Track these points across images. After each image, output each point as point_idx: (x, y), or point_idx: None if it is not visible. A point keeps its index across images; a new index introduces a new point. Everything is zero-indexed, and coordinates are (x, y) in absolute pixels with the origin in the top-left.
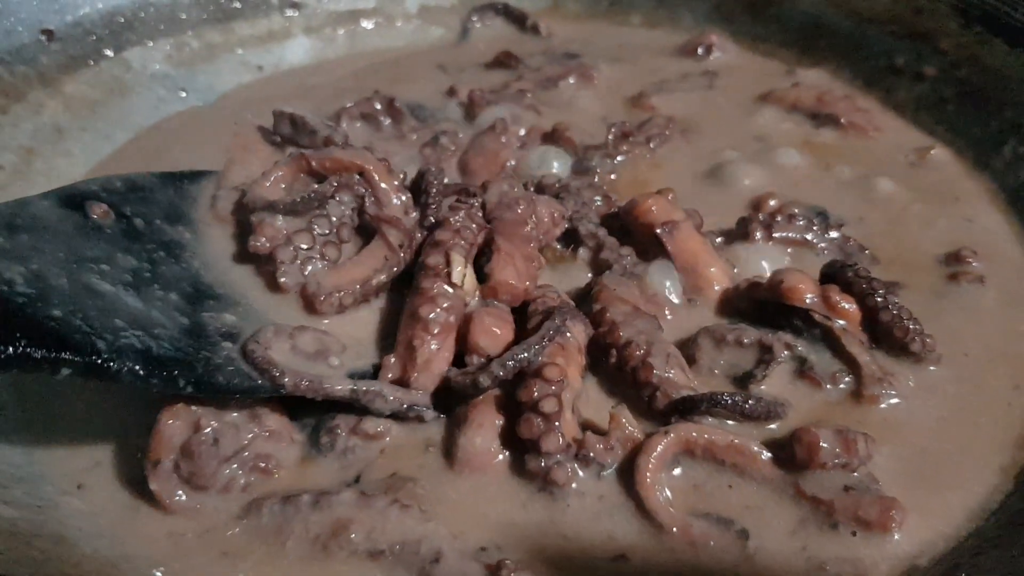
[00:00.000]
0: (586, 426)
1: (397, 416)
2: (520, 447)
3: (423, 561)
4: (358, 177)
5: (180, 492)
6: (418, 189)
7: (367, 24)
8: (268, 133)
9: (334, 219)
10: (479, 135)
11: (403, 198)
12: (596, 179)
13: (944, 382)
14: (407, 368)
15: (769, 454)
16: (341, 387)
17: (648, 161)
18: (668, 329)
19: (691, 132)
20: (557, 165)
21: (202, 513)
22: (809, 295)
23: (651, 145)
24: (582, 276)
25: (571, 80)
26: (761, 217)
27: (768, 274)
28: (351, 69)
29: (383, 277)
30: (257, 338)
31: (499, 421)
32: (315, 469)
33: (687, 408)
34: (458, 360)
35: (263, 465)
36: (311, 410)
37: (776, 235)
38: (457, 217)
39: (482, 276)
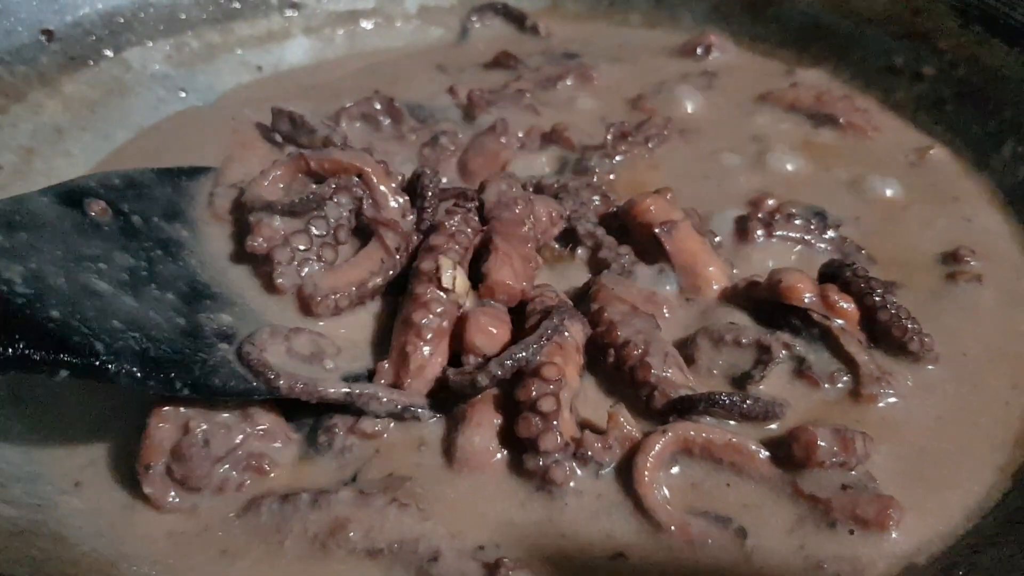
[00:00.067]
0: (584, 425)
1: (395, 416)
2: (518, 446)
3: (421, 560)
4: (356, 179)
5: (174, 494)
6: (414, 192)
7: (366, 24)
8: (267, 130)
9: (332, 221)
10: (478, 135)
11: (401, 200)
12: (595, 179)
13: (942, 381)
14: (401, 374)
15: (767, 453)
16: (335, 390)
17: (647, 161)
18: (666, 328)
19: (690, 132)
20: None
21: (200, 512)
22: (807, 294)
23: (650, 145)
24: (580, 275)
25: (570, 80)
26: (760, 216)
27: (766, 273)
28: (350, 69)
29: (379, 280)
30: (253, 340)
31: (497, 420)
32: (312, 468)
33: (685, 408)
34: (456, 360)
35: (256, 464)
36: (308, 410)
37: (774, 234)
38: (453, 221)
39: (479, 276)
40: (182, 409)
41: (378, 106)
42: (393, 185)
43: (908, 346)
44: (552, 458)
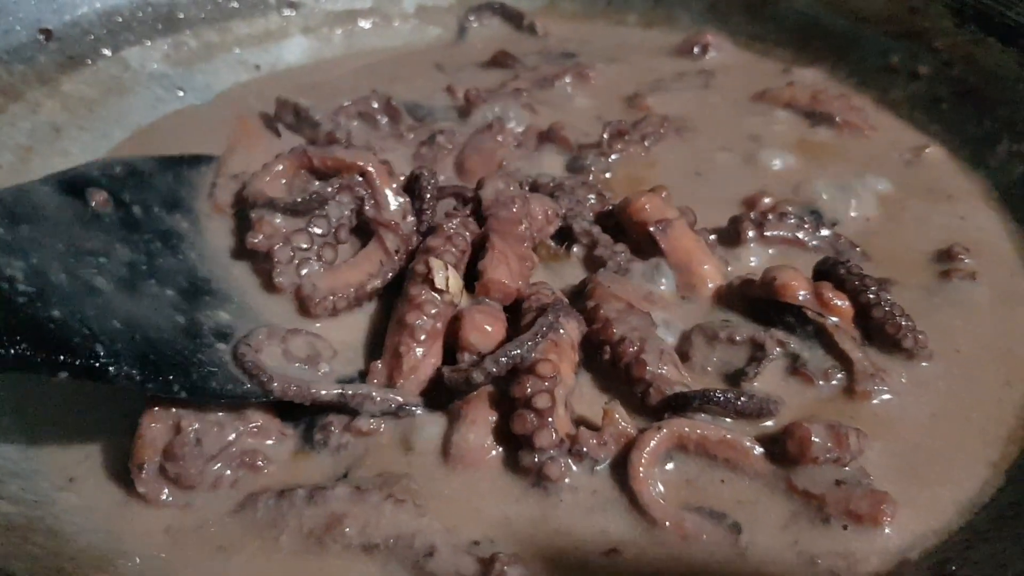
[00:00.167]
0: (580, 422)
1: (389, 415)
2: (514, 443)
3: (417, 555)
4: (359, 178)
5: (167, 492)
6: (412, 193)
7: (364, 24)
8: (270, 120)
9: (333, 220)
10: (475, 134)
11: (402, 201)
12: (591, 177)
13: (936, 378)
14: (394, 374)
15: (761, 449)
16: (327, 391)
17: (643, 160)
18: (661, 326)
19: (686, 131)
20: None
21: (197, 508)
22: (802, 292)
23: (646, 144)
24: (576, 273)
25: (567, 79)
26: (752, 216)
27: (761, 271)
28: (348, 69)
29: (378, 283)
30: (249, 340)
31: (492, 417)
32: (308, 464)
33: (680, 404)
34: (451, 357)
35: (249, 461)
36: (304, 410)
37: (768, 234)
38: (451, 224)
39: (475, 274)
40: (174, 408)
41: (375, 105)
42: (395, 185)
43: (902, 343)
44: (547, 454)
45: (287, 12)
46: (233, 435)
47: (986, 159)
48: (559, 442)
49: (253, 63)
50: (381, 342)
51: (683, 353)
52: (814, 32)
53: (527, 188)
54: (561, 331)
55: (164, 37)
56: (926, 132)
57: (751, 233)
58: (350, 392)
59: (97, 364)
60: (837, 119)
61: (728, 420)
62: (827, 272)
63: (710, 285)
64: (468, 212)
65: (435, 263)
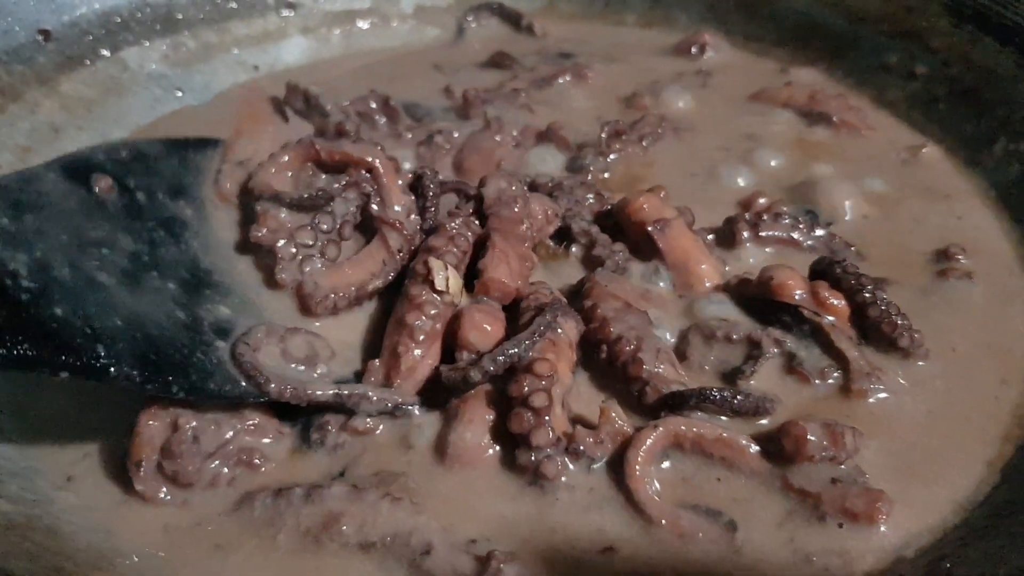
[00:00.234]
0: (577, 421)
1: (386, 414)
2: (511, 442)
3: (414, 553)
4: (366, 174)
5: (165, 491)
6: (415, 192)
7: (363, 24)
8: (278, 104)
9: (338, 217)
10: (474, 134)
11: (407, 199)
12: (589, 177)
13: (932, 377)
14: (391, 374)
15: (757, 447)
16: (322, 392)
17: (641, 159)
18: (658, 324)
19: (684, 131)
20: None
21: (194, 506)
22: (798, 291)
23: (644, 144)
24: (575, 273)
25: (565, 79)
26: (747, 216)
27: (758, 271)
28: (347, 69)
29: (379, 283)
30: (247, 339)
31: (490, 416)
32: (305, 463)
33: (676, 403)
34: (449, 356)
35: (247, 459)
36: (301, 409)
37: (763, 234)
38: (454, 223)
39: (475, 272)
40: (172, 406)
41: (374, 105)
42: (400, 182)
43: (898, 342)
44: (544, 453)
45: (285, 12)
46: (230, 433)
47: (983, 159)
48: (556, 440)
49: (252, 63)
50: (379, 341)
51: (680, 352)
52: (811, 32)
53: (525, 188)
54: (559, 330)
55: (163, 38)
56: (923, 132)
57: (746, 233)
58: (346, 392)
59: (98, 364)
60: (834, 119)
61: (724, 418)
62: (823, 271)
63: (707, 284)
64: (470, 210)
65: (435, 264)
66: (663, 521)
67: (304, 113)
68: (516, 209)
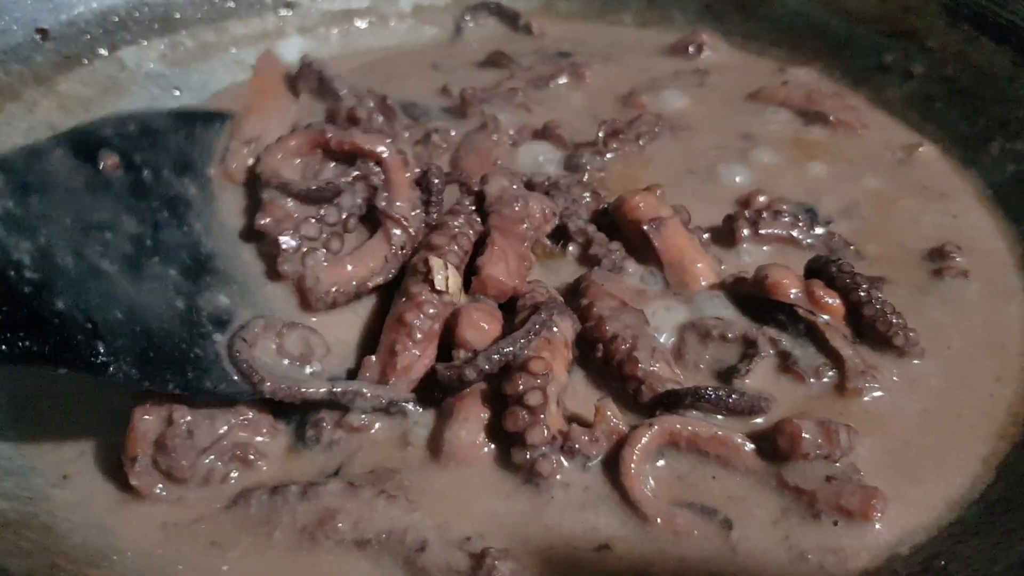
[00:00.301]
0: (573, 419)
1: (381, 411)
2: (506, 440)
3: (409, 550)
4: (374, 166)
5: (160, 486)
6: (421, 187)
7: (361, 23)
8: (291, 81)
9: (344, 209)
10: (470, 133)
11: (414, 194)
12: (586, 176)
13: (927, 375)
14: (387, 371)
15: (752, 445)
16: (315, 390)
17: (638, 158)
18: (654, 323)
19: (681, 130)
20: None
21: (191, 504)
22: (793, 290)
23: (641, 143)
24: (572, 271)
25: (563, 79)
26: (747, 214)
27: (754, 269)
28: (345, 68)
29: (380, 279)
30: (244, 334)
31: (485, 414)
32: (301, 461)
33: (671, 402)
34: (446, 353)
35: (241, 454)
36: (296, 407)
37: (762, 232)
38: (457, 222)
39: (473, 269)
40: (166, 401)
41: (371, 104)
42: (408, 175)
43: (893, 340)
44: (539, 451)
45: (283, 12)
46: (225, 428)
47: (979, 158)
48: (551, 439)
49: (249, 63)
50: (375, 337)
51: (676, 350)
52: (808, 32)
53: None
54: (554, 329)
55: (160, 37)
56: (919, 131)
57: (746, 231)
58: (340, 390)
59: (98, 362)
60: (831, 118)
61: (720, 417)
62: (819, 270)
63: (703, 283)
64: (472, 208)
65: (436, 263)
66: (658, 519)
67: (317, 93)
68: (517, 208)
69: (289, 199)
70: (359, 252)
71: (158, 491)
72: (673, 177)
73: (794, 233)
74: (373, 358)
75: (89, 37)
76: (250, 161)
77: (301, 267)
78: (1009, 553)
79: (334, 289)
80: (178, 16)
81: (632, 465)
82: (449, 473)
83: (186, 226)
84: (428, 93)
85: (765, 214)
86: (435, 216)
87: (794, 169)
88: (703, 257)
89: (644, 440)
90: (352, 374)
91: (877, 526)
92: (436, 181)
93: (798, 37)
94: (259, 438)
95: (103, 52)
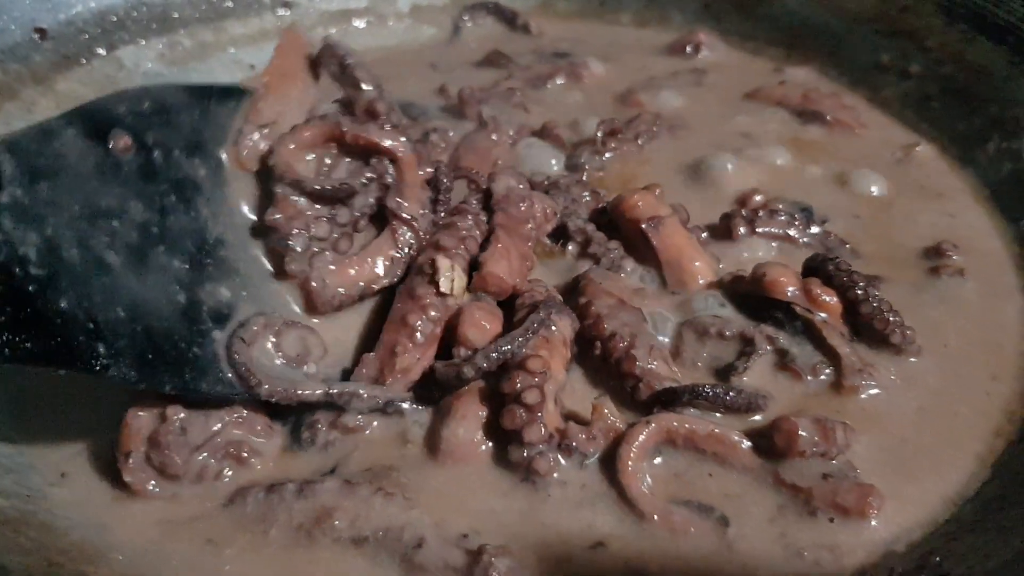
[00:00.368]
0: (571, 417)
1: (377, 411)
2: (503, 438)
3: (406, 547)
4: (388, 163)
5: (153, 483)
6: (431, 185)
7: (359, 23)
8: (313, 63)
9: (356, 209)
10: (469, 133)
11: (424, 194)
12: (585, 176)
13: (924, 373)
14: (385, 371)
15: (749, 443)
16: (310, 391)
17: (636, 157)
18: (652, 321)
19: (679, 129)
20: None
21: (187, 502)
22: (791, 288)
23: (639, 142)
24: (571, 270)
25: (561, 79)
26: (744, 213)
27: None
28: None
29: (385, 282)
30: (243, 333)
31: (483, 412)
32: (296, 461)
33: (669, 399)
34: (446, 351)
35: (235, 452)
36: (291, 408)
37: (758, 230)
38: (465, 222)
39: (475, 265)
40: (160, 398)
41: (391, 98)
42: (420, 173)
43: (890, 338)
44: (536, 449)
45: (282, 12)
46: (219, 425)
47: (976, 157)
48: (548, 437)
49: (248, 63)
50: (374, 337)
51: (674, 348)
52: (805, 31)
53: None
54: (552, 327)
55: (159, 36)
56: (916, 130)
57: (742, 230)
58: (335, 391)
59: (98, 365)
60: (828, 117)
61: (717, 415)
62: (816, 268)
63: (701, 281)
64: (480, 207)
65: (443, 264)
66: (655, 516)
67: (338, 78)
68: (523, 207)
69: (302, 197)
70: (366, 253)
71: (151, 487)
72: (671, 176)
73: (790, 232)
74: (372, 356)
75: (87, 37)
76: (263, 147)
77: (308, 268)
78: (1004, 549)
79: (340, 291)
80: (176, 16)
81: (629, 463)
82: (447, 471)
83: (193, 211)
84: (426, 93)
85: (762, 213)
86: (442, 214)
87: (791, 168)
88: (701, 256)
89: (641, 438)
90: (346, 374)
91: (873, 523)
92: (445, 180)
93: (796, 37)
94: (253, 436)
95: (101, 52)
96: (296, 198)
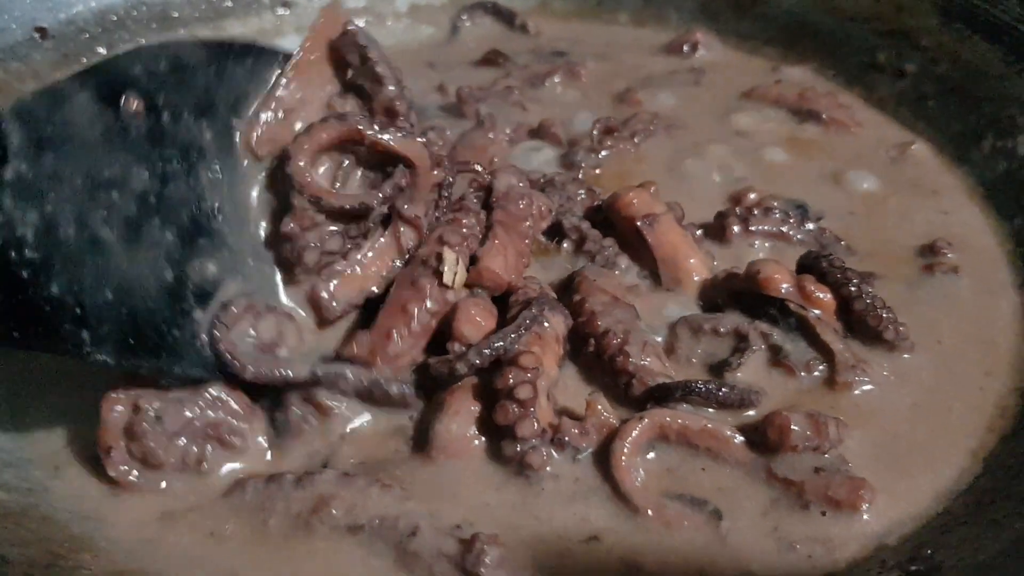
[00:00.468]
0: (564, 414)
1: (363, 394)
2: (497, 433)
3: (400, 535)
4: (404, 167)
5: (136, 474)
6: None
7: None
8: (334, 51)
9: (369, 220)
10: (467, 132)
11: (431, 196)
12: (581, 173)
13: (917, 369)
14: (375, 353)
15: (742, 438)
16: (297, 372)
17: (632, 156)
18: (646, 318)
19: (675, 127)
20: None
21: (184, 493)
22: (785, 285)
23: (635, 140)
24: (566, 268)
25: (558, 77)
26: (738, 211)
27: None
28: None
29: (385, 285)
30: (223, 317)
31: (476, 408)
32: (287, 457)
33: (662, 395)
34: (439, 346)
35: (213, 433)
36: (266, 394)
37: (752, 228)
38: (469, 220)
39: (472, 259)
40: (132, 390)
41: (411, 97)
42: (432, 180)
43: (883, 335)
44: (529, 444)
45: (281, 11)
46: (196, 410)
47: (971, 155)
48: (541, 432)
49: None
50: (352, 331)
51: (667, 345)
52: (802, 31)
53: None
54: (545, 324)
55: (159, 36)
56: (912, 129)
57: (736, 228)
58: (321, 371)
59: (80, 351)
60: (824, 116)
61: (711, 410)
62: (810, 265)
63: (696, 278)
64: (480, 204)
65: (448, 257)
66: (648, 511)
67: (357, 70)
68: (522, 205)
69: (319, 213)
70: (370, 261)
71: (134, 478)
72: (667, 174)
73: (784, 229)
74: (367, 336)
75: (88, 36)
76: (275, 134)
77: (317, 278)
78: (995, 542)
79: (346, 301)
80: (176, 15)
81: (623, 457)
82: (440, 466)
83: (193, 178)
84: (424, 92)
85: (756, 211)
86: (444, 210)
87: (788, 167)
88: (696, 253)
89: (635, 433)
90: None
91: (865, 516)
92: (451, 180)
93: (792, 36)
94: (232, 418)
95: (101, 51)
96: (315, 213)
